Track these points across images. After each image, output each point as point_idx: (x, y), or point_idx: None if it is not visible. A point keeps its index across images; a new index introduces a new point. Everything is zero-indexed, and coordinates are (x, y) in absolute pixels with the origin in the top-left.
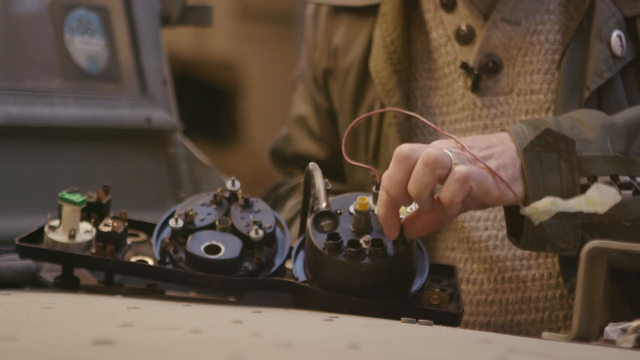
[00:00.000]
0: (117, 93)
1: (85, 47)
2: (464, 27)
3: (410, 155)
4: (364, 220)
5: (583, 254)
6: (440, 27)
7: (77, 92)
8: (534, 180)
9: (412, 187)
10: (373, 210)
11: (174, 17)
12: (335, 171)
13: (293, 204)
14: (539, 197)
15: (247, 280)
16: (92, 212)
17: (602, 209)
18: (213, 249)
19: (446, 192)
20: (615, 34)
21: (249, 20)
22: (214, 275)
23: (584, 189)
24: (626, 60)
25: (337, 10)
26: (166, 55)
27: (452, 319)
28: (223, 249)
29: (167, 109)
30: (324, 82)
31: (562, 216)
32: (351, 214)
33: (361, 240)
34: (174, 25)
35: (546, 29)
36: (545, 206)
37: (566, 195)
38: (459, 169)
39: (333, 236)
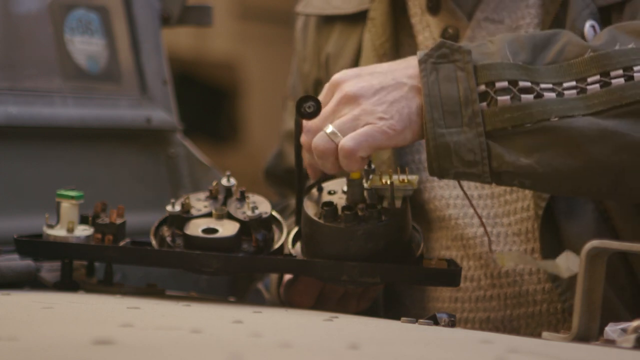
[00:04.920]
0: (117, 93)
1: (85, 47)
2: (449, 29)
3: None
4: (357, 191)
5: (583, 253)
6: (427, 30)
7: (77, 92)
8: (429, 88)
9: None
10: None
11: (174, 17)
12: None
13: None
14: (434, 107)
15: (246, 257)
16: (107, 234)
17: (566, 274)
18: (210, 232)
19: (343, 167)
20: (588, 24)
21: (249, 20)
22: (212, 253)
23: (482, 96)
24: None
25: (327, 20)
26: (166, 55)
27: (452, 277)
28: (220, 230)
29: (167, 109)
30: (315, 94)
31: (462, 124)
32: (344, 192)
33: (356, 208)
34: (174, 25)
35: (526, 23)
36: (512, 256)
37: (465, 103)
38: (343, 146)
39: (327, 204)
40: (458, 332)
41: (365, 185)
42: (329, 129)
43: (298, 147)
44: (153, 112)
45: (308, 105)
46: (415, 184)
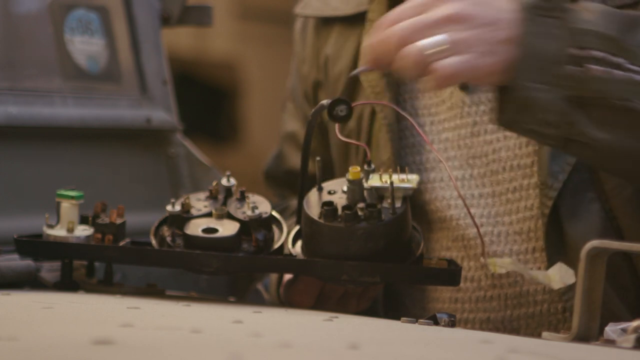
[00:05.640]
0: (117, 93)
1: (85, 47)
2: None
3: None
4: (357, 190)
5: (583, 254)
6: None
7: (77, 92)
8: (526, 39)
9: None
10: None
11: (174, 17)
12: None
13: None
14: (528, 59)
15: (246, 257)
16: (107, 234)
17: (557, 285)
18: (210, 231)
19: (430, 82)
20: None
21: (249, 20)
22: (212, 253)
23: (574, 60)
24: None
25: (326, 21)
26: (166, 55)
27: (452, 277)
28: (221, 229)
29: (167, 109)
30: (314, 95)
31: (549, 82)
32: (344, 191)
33: (356, 207)
34: (174, 25)
35: None
36: (505, 263)
37: (556, 62)
38: (444, 65)
39: (327, 203)
40: (458, 332)
41: (365, 184)
42: (438, 40)
43: (307, 147)
44: (153, 112)
45: (340, 109)
46: (415, 184)
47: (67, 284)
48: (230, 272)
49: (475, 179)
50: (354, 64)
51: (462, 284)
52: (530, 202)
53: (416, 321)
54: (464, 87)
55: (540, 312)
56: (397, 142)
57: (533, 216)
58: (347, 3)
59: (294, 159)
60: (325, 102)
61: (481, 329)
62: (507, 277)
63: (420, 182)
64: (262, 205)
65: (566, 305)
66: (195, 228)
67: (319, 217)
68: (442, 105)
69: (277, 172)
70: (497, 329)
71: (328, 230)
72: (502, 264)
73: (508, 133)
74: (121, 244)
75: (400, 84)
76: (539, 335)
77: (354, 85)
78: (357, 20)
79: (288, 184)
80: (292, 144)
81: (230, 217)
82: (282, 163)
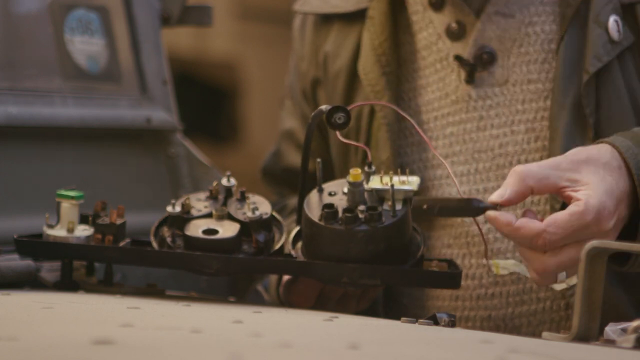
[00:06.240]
0: (117, 93)
1: (85, 47)
2: (454, 24)
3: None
4: (358, 192)
5: (583, 254)
6: (430, 26)
7: (77, 92)
8: None
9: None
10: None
11: (174, 17)
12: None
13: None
14: None
15: (246, 259)
16: (107, 234)
17: (558, 287)
18: (211, 232)
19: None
20: (612, 19)
21: (249, 20)
22: (213, 254)
23: None
24: (623, 46)
25: (325, 18)
26: (166, 55)
27: (452, 280)
28: (221, 231)
29: (167, 109)
30: (313, 93)
31: None
32: (345, 193)
33: (356, 210)
34: (174, 25)
35: (541, 20)
36: (507, 265)
37: None
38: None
39: (328, 206)
40: (458, 332)
41: (366, 186)
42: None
43: (306, 150)
44: (153, 112)
45: (339, 116)
46: (415, 186)
47: (67, 284)
48: (231, 274)
49: (481, 173)
50: (354, 61)
51: (463, 282)
52: (538, 197)
53: (416, 321)
54: (470, 80)
55: (543, 310)
56: (397, 141)
57: (539, 211)
58: (347, 0)
59: (292, 157)
60: (324, 107)
61: (482, 327)
62: (509, 274)
63: (422, 182)
64: (263, 206)
65: (569, 302)
66: (196, 229)
67: (320, 220)
68: (445, 99)
69: (275, 169)
70: (497, 327)
71: (328, 233)
72: (504, 266)
73: (515, 127)
74: (121, 244)
75: (402, 82)
76: (540, 333)
77: (353, 83)
78: (357, 18)
79: (286, 182)
80: (289, 142)
81: (230, 217)
82: (279, 160)
